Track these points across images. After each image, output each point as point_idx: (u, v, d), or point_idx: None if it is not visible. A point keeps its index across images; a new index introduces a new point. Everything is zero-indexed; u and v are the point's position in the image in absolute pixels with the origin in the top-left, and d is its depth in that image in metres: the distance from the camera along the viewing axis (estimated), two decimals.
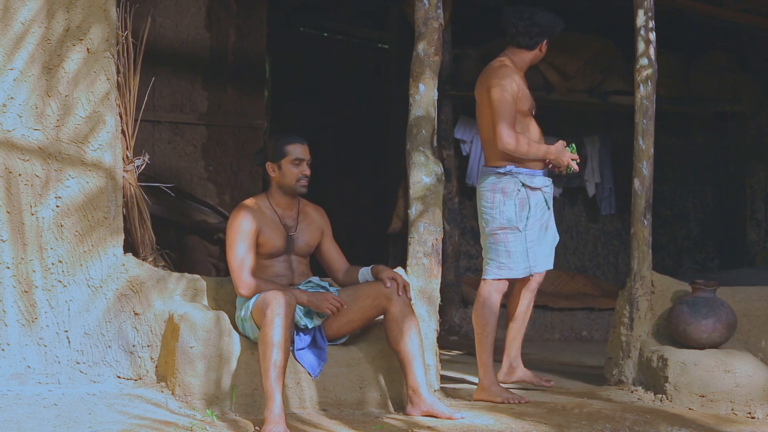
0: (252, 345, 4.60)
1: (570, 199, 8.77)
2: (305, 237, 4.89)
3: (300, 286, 4.77)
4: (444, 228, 5.38)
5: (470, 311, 7.68)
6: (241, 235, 4.71)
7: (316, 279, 4.87)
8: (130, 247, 4.98)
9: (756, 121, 8.68)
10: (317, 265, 5.03)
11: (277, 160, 4.83)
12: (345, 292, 4.80)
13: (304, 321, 4.65)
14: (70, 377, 4.72)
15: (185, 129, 7.36)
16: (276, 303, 4.38)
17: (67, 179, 4.73)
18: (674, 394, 5.09)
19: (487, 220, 5.27)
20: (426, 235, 5.15)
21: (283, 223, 4.85)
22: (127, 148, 4.98)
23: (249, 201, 4.87)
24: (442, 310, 5.59)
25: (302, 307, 4.67)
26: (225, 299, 4.94)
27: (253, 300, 4.62)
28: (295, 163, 4.80)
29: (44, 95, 4.70)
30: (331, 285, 4.88)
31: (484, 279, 5.27)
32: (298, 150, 4.81)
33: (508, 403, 4.96)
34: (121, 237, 4.84)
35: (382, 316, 4.75)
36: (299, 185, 4.81)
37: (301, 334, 4.69)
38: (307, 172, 4.81)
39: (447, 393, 5.15)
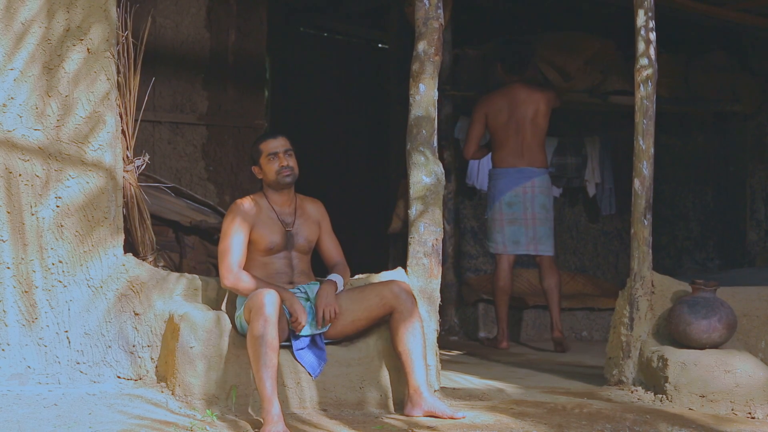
0: None
1: (570, 199, 8.76)
2: (305, 233, 4.90)
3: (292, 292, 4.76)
4: (444, 228, 5.38)
5: (469, 311, 7.69)
6: (232, 230, 4.74)
7: (314, 284, 4.86)
8: (130, 247, 4.98)
9: (756, 121, 8.66)
10: (317, 266, 5.03)
11: (257, 162, 4.89)
12: (352, 290, 4.81)
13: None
14: (70, 377, 4.72)
15: (185, 129, 7.36)
16: (264, 302, 4.36)
17: (68, 179, 4.73)
18: (674, 394, 5.08)
19: (549, 209, 7.04)
20: (426, 235, 5.15)
21: (281, 219, 4.86)
22: (128, 148, 4.98)
23: (245, 199, 4.90)
24: (442, 310, 5.59)
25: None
26: (225, 299, 4.94)
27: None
28: (270, 159, 4.83)
29: (44, 95, 4.70)
30: None
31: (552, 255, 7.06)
32: (269, 145, 4.86)
33: None
34: (122, 237, 4.85)
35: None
36: (281, 177, 4.83)
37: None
38: (285, 162, 4.83)
39: (447, 393, 5.15)
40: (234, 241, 4.73)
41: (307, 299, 4.77)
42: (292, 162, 4.86)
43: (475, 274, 8.40)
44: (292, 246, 4.87)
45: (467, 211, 8.41)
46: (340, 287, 4.83)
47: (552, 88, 7.32)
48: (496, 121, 6.98)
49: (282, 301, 4.57)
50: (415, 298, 4.74)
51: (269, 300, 4.37)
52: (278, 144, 4.86)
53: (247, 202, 4.85)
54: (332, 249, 5.00)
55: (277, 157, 4.84)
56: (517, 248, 7.01)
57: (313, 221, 4.97)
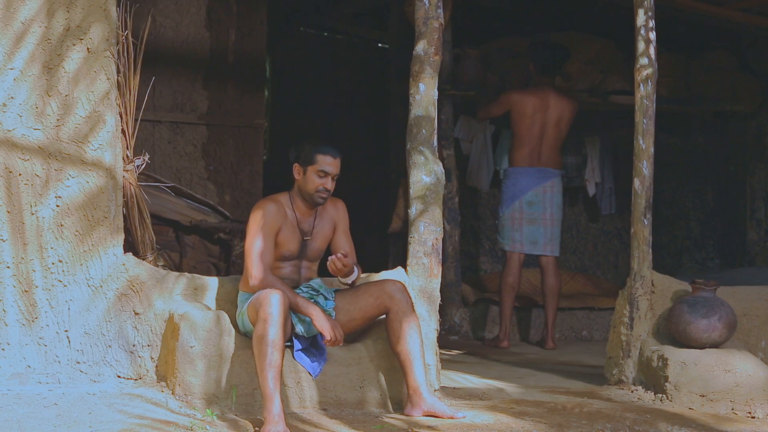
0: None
1: (570, 198, 8.76)
2: (318, 243, 4.86)
3: (297, 291, 4.75)
4: (444, 228, 5.39)
5: (469, 311, 7.69)
6: (263, 229, 4.67)
7: (317, 281, 4.85)
8: (130, 246, 4.98)
9: (756, 121, 8.66)
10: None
11: (304, 165, 4.78)
12: (348, 290, 4.81)
13: (299, 327, 4.65)
14: (70, 377, 4.72)
15: (185, 129, 7.36)
16: (269, 302, 4.36)
17: (68, 179, 4.73)
18: (674, 394, 5.09)
19: (562, 210, 7.21)
20: (426, 235, 5.15)
21: (300, 228, 4.82)
22: (128, 148, 4.98)
23: (272, 199, 4.80)
24: (442, 310, 5.59)
25: (299, 314, 4.67)
26: (225, 299, 4.94)
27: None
28: (319, 174, 4.74)
29: (44, 94, 4.70)
30: (331, 287, 4.87)
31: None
32: (326, 161, 4.75)
33: None
34: (121, 236, 4.84)
35: (382, 316, 4.77)
36: (317, 196, 4.76)
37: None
38: (329, 186, 4.75)
39: (447, 392, 5.15)
40: (265, 242, 4.66)
41: (316, 293, 4.77)
42: (332, 188, 4.79)
43: (476, 274, 8.41)
44: (305, 255, 4.84)
45: (467, 210, 8.41)
46: (355, 275, 4.79)
47: (577, 99, 7.41)
48: (522, 117, 7.05)
49: (296, 308, 4.59)
50: (410, 298, 4.72)
51: (275, 300, 4.37)
52: (334, 165, 4.76)
53: (275, 204, 4.76)
54: (346, 250, 4.91)
55: (327, 177, 4.76)
56: (534, 248, 7.11)
57: (329, 225, 4.90)
